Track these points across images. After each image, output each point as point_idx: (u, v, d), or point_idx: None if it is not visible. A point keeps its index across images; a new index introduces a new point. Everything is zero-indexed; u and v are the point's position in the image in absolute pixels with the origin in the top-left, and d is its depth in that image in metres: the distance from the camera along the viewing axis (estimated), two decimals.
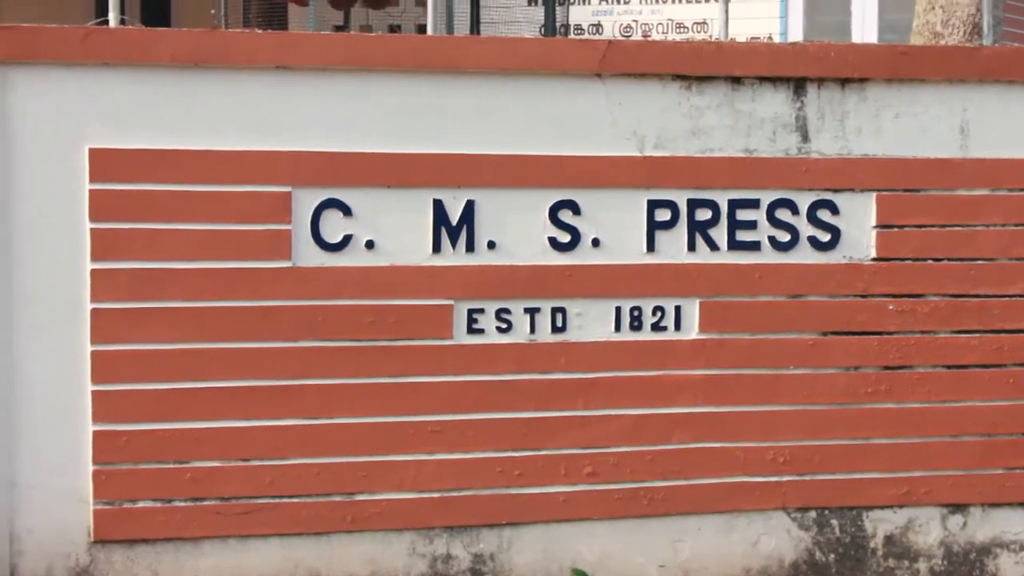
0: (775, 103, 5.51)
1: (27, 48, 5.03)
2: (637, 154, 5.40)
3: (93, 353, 5.07)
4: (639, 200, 5.43)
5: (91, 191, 5.05)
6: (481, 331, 5.34)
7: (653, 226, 5.44)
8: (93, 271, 5.06)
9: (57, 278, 5.07)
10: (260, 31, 5.33)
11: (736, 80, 5.48)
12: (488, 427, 5.36)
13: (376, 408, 5.28)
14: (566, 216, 5.38)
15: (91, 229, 5.06)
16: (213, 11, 9.40)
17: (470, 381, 5.35)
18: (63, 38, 5.07)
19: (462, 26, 10.92)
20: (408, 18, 11.17)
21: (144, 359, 5.10)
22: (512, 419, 5.38)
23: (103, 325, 5.07)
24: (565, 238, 5.38)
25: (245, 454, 5.21)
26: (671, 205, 5.44)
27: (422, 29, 11.09)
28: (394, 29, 10.58)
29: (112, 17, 5.95)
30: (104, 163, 5.05)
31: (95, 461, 5.11)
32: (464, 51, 5.34)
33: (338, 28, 10.59)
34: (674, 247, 5.46)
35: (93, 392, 5.08)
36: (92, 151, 5.05)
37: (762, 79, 5.50)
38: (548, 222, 5.37)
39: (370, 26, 10.97)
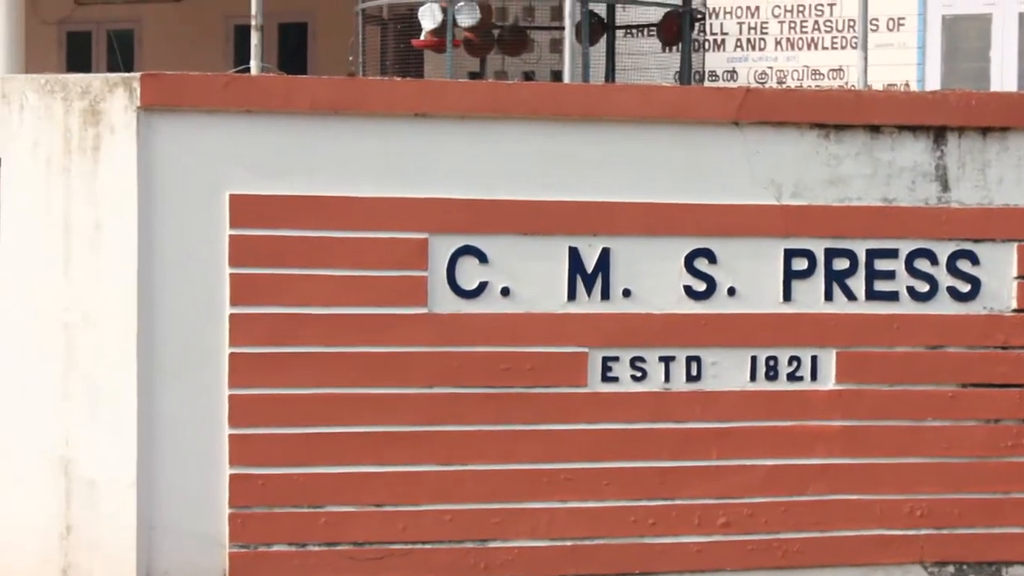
0: (915, 152, 5.46)
1: (171, 95, 5.11)
2: (774, 203, 5.37)
3: (231, 397, 5.12)
4: (776, 249, 5.39)
5: (231, 236, 5.11)
6: (615, 379, 5.32)
7: (790, 275, 5.40)
8: (232, 316, 5.12)
9: (197, 322, 5.13)
10: (399, 79, 5.38)
11: (875, 129, 5.43)
12: (622, 476, 5.33)
13: (510, 455, 5.28)
14: (702, 264, 5.35)
15: (231, 274, 5.11)
16: (351, 58, 9.50)
17: (604, 429, 5.33)
18: (206, 86, 5.14)
19: (596, 72, 10.93)
20: (543, 64, 11.21)
21: (281, 403, 5.14)
22: (646, 468, 5.35)
23: (241, 369, 5.12)
24: (701, 287, 5.36)
25: (379, 499, 5.22)
26: (808, 254, 5.40)
27: (556, 75, 11.11)
28: (529, 75, 10.62)
29: (253, 65, 6.04)
30: (244, 209, 5.11)
31: (231, 504, 5.15)
32: (601, 99, 5.35)
33: (473, 74, 10.65)
34: (811, 296, 5.42)
35: (230, 436, 5.12)
36: (233, 197, 5.11)
37: (901, 128, 5.45)
38: (684, 270, 5.34)
39: (505, 72, 11.02)
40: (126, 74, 5.12)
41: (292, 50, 19.18)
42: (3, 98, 5.28)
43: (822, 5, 13.46)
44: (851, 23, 13.16)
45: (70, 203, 5.19)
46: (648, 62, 11.40)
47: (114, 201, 5.13)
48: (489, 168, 5.24)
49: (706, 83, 11.52)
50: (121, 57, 20.33)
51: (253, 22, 6.06)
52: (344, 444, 5.17)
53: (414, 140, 5.20)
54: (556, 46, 11.60)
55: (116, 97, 5.11)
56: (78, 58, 20.96)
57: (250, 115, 5.14)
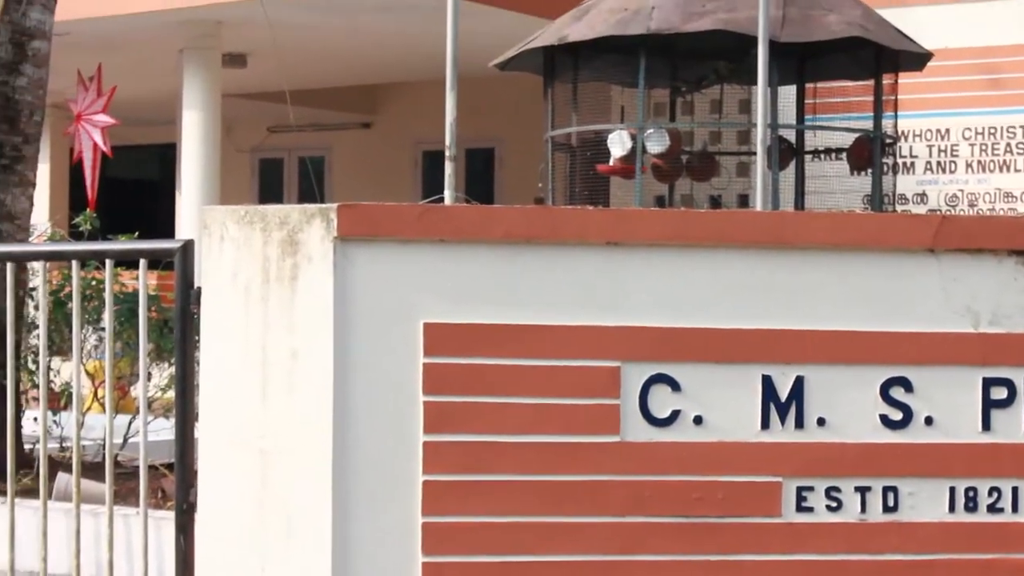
0: None
1: (367, 226, 5.19)
2: (971, 331, 5.28)
3: (424, 525, 5.14)
4: (974, 377, 5.30)
5: (425, 364, 5.15)
6: (810, 509, 5.25)
7: (988, 404, 5.30)
8: (426, 443, 5.15)
9: (390, 449, 5.17)
10: (591, 208, 5.40)
11: None
12: None
13: None
14: (898, 393, 5.28)
15: (424, 402, 5.15)
16: (540, 184, 9.58)
17: (798, 560, 5.25)
18: (400, 216, 5.22)
19: (785, 196, 10.90)
20: (731, 189, 11.20)
21: (474, 531, 5.14)
22: None
23: (434, 497, 5.14)
24: (897, 415, 5.28)
25: None
26: (1007, 383, 5.30)
27: (743, 199, 11.09)
28: (715, 200, 10.61)
29: (447, 195, 6.11)
30: (438, 337, 5.16)
31: None
32: (793, 227, 5.32)
33: (659, 199, 10.67)
34: (1011, 426, 5.31)
35: (424, 564, 5.13)
36: (427, 325, 5.16)
37: None
38: (879, 399, 5.27)
39: (692, 196, 11.02)
40: (323, 205, 5.21)
41: (479, 175, 19.42)
42: (204, 228, 5.40)
43: (1014, 128, 13.30)
44: None
45: (267, 331, 5.28)
46: (835, 185, 11.35)
47: (310, 330, 5.21)
48: (681, 296, 5.24)
49: (896, 207, 11.42)
50: (312, 183, 20.74)
51: (447, 152, 6.14)
52: (537, 573, 5.16)
53: (606, 268, 5.22)
54: (743, 170, 11.60)
55: (313, 227, 5.21)
56: (270, 184, 21.44)
57: (444, 244, 5.20)
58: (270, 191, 21.38)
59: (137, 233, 8.86)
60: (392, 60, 17.23)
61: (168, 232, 17.41)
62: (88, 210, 9.44)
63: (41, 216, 9.24)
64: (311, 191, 20.63)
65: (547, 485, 5.16)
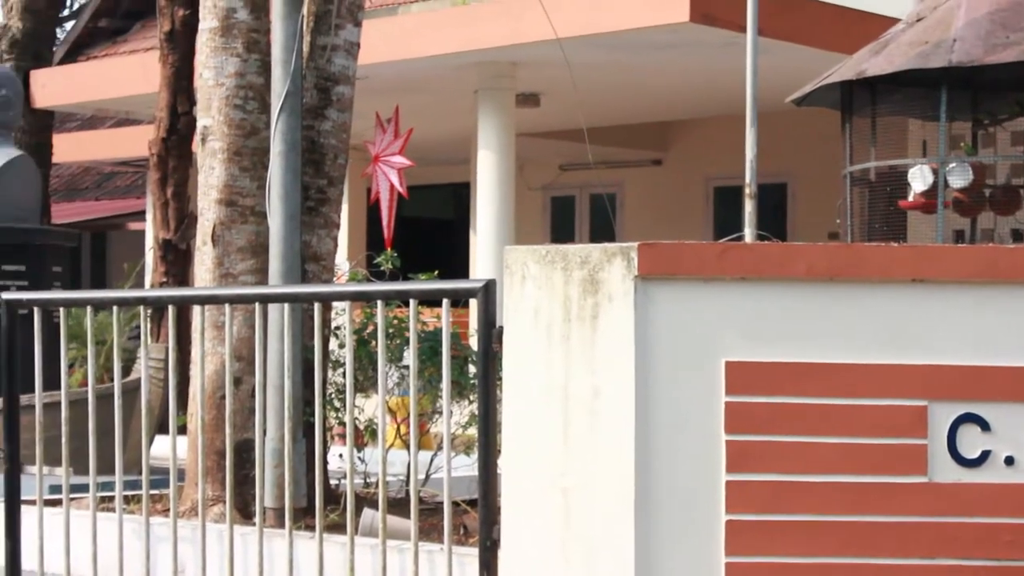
0: None
1: (667, 264, 5.19)
2: None
3: (728, 565, 5.10)
4: None
5: (727, 403, 5.13)
6: None
7: None
8: (728, 482, 5.12)
9: (692, 488, 5.16)
10: (895, 245, 5.33)
11: None
12: None
13: None
14: None
15: (727, 441, 5.13)
16: (838, 220, 9.48)
17: None
18: (701, 254, 5.21)
19: None
20: None
21: (778, 573, 5.09)
22: None
23: (738, 537, 5.10)
24: None
25: None
26: None
27: None
28: (1019, 235, 10.33)
29: (747, 232, 6.09)
30: (740, 376, 5.13)
31: None
32: None
33: (958, 233, 10.43)
34: None
35: None
36: (728, 364, 5.14)
37: None
38: None
39: (993, 230, 10.75)
40: (623, 244, 5.23)
41: (771, 211, 19.26)
42: (506, 268, 5.47)
43: None
44: None
45: (569, 370, 5.32)
46: None
47: (611, 368, 5.23)
48: (989, 333, 5.11)
49: None
50: (602, 220, 20.84)
51: (747, 190, 6.12)
52: None
53: (911, 305, 5.13)
54: None
55: (614, 266, 5.23)
56: (562, 222, 21.61)
57: (744, 282, 5.18)
58: (562, 229, 21.55)
59: (437, 272, 9.02)
60: (683, 96, 17.24)
61: (462, 270, 17.69)
62: (387, 250, 9.64)
63: (340, 255, 9.46)
64: (602, 228, 20.73)
65: (851, 526, 5.09)
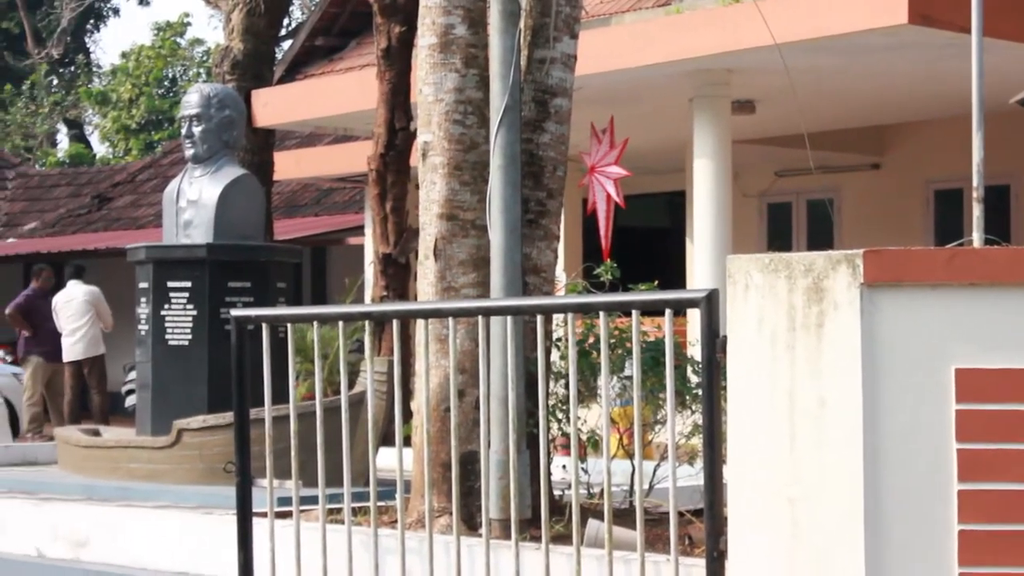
0: None
1: (893, 271, 5.14)
2: None
3: None
4: None
5: (958, 411, 5.06)
6: None
7: None
8: (960, 491, 5.04)
9: (923, 497, 5.09)
10: None
11: None
12: None
13: None
14: None
15: (958, 449, 5.05)
16: None
17: None
18: (929, 260, 5.14)
19: None
20: None
21: None
22: None
23: (971, 547, 5.03)
24: None
25: None
26: None
27: None
28: None
29: (975, 237, 5.98)
30: (971, 383, 5.05)
31: None
32: None
33: None
34: None
35: None
36: (959, 371, 5.07)
37: None
38: None
39: None
40: (848, 252, 5.19)
41: (992, 213, 18.85)
42: (729, 277, 5.46)
43: None
44: None
45: (794, 379, 5.28)
46: None
47: (837, 377, 5.18)
48: None
49: None
50: (819, 226, 20.62)
51: (975, 194, 6.01)
52: None
53: None
54: None
55: (839, 274, 5.18)
56: (778, 229, 21.42)
57: (974, 288, 5.10)
58: (778, 236, 21.34)
59: (656, 282, 9.01)
60: (901, 99, 16.97)
61: (678, 278, 17.62)
62: (606, 260, 9.65)
63: (558, 266, 9.49)
64: (818, 235, 20.51)
65: None
